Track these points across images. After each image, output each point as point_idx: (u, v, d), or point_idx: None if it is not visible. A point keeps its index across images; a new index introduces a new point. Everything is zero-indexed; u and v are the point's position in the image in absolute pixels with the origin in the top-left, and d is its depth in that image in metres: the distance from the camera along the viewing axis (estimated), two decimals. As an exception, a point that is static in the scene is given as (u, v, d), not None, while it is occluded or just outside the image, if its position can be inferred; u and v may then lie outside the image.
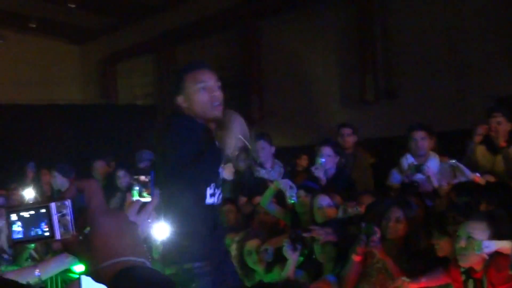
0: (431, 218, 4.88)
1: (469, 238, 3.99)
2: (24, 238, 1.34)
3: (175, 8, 14.20)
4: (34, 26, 15.56)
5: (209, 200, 3.46)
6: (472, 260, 4.04)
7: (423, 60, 10.15)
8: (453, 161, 5.85)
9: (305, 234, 5.20)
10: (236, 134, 3.38)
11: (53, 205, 1.30)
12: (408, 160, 6.27)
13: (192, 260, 3.39)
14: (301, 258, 5.27)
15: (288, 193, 5.60)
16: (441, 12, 9.96)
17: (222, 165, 3.57)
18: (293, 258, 5.08)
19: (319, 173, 6.30)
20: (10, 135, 12.93)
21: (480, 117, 6.93)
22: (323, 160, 6.34)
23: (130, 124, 14.02)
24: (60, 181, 8.08)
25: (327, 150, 6.46)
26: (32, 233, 1.32)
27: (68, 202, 1.30)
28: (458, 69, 9.73)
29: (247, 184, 6.88)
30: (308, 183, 6.22)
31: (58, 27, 16.36)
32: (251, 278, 5.58)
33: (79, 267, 3.51)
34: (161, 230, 3.27)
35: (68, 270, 3.99)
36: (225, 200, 5.82)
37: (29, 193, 7.98)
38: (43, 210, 1.30)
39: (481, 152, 6.39)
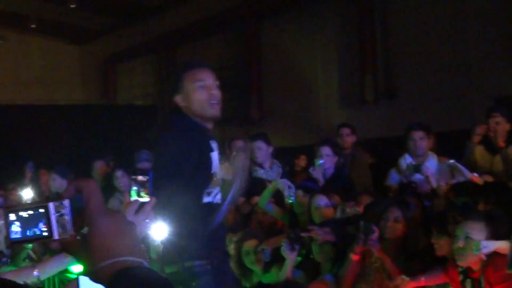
0: (431, 217, 4.89)
1: (467, 238, 3.99)
2: (22, 238, 1.34)
3: (175, 8, 14.21)
4: (34, 26, 15.56)
5: (206, 199, 3.46)
6: (470, 260, 4.05)
7: (422, 60, 10.15)
8: (452, 161, 5.85)
9: (303, 234, 5.20)
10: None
11: (51, 205, 1.30)
12: (406, 160, 6.27)
13: (192, 259, 3.39)
14: (299, 258, 5.28)
15: (286, 193, 5.61)
16: (441, 13, 9.97)
17: (220, 166, 3.58)
18: (291, 258, 5.09)
19: (317, 174, 6.30)
20: (9, 135, 12.93)
21: (479, 117, 6.94)
22: (322, 161, 6.35)
23: (130, 124, 14.01)
24: (59, 183, 8.07)
25: (326, 150, 6.47)
26: (30, 233, 1.32)
27: (66, 202, 1.30)
28: (457, 69, 9.73)
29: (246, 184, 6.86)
30: (307, 183, 6.22)
31: (58, 27, 16.36)
32: (249, 278, 5.58)
33: (77, 267, 3.51)
34: (159, 230, 3.28)
35: (66, 270, 4.00)
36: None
37: (27, 193, 7.97)
38: (42, 210, 1.31)
39: (479, 152, 6.39)
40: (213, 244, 3.50)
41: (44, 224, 1.31)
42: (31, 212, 1.32)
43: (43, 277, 3.17)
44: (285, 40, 12.38)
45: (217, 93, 3.53)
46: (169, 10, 14.35)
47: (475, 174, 5.60)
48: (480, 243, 3.92)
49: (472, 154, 6.41)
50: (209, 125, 3.57)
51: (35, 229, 1.32)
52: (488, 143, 6.35)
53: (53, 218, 1.30)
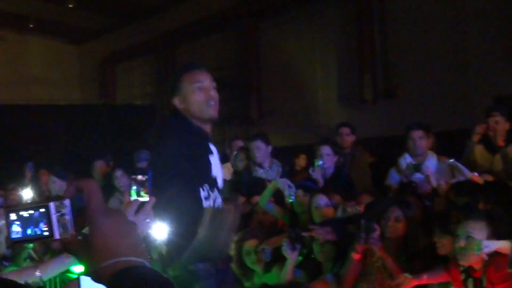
0: (433, 216, 4.88)
1: (468, 237, 4.00)
2: (23, 238, 1.34)
3: (174, 8, 14.21)
4: (33, 26, 15.55)
5: (205, 203, 3.46)
6: (471, 259, 4.05)
7: (422, 59, 10.15)
8: (452, 160, 5.85)
9: (304, 234, 5.20)
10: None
11: (52, 205, 1.30)
12: (406, 159, 6.27)
13: (195, 261, 3.39)
14: (300, 258, 5.28)
15: (286, 192, 5.61)
16: (440, 12, 9.96)
17: (219, 172, 3.58)
18: (292, 257, 5.08)
19: (316, 175, 6.30)
20: (9, 135, 12.92)
21: (479, 117, 6.94)
22: (321, 162, 6.35)
23: (129, 124, 14.01)
24: (59, 185, 8.05)
25: (326, 149, 6.47)
26: (31, 232, 1.32)
27: (67, 202, 1.30)
28: (457, 69, 9.73)
29: (245, 184, 6.88)
30: (307, 183, 6.22)
31: (57, 27, 16.36)
32: (249, 278, 5.58)
33: (78, 268, 3.51)
34: (160, 230, 3.28)
35: (67, 270, 3.99)
36: (223, 200, 5.82)
37: (27, 193, 7.97)
38: (42, 210, 1.30)
39: (479, 152, 6.39)
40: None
41: (45, 224, 1.30)
42: (32, 212, 1.32)
43: (45, 278, 3.17)
44: (284, 40, 12.39)
45: (214, 94, 3.54)
46: (168, 10, 14.35)
47: (475, 174, 5.60)
48: (481, 243, 3.92)
49: (471, 153, 6.41)
50: (208, 127, 3.58)
51: (36, 229, 1.32)
52: (487, 142, 6.35)
53: (54, 218, 1.30)
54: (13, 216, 1.33)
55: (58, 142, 13.11)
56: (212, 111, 3.52)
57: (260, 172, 6.83)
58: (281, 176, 6.56)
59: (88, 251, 1.29)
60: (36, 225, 1.31)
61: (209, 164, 3.51)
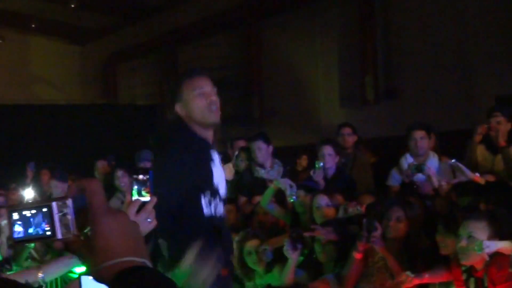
0: (438, 216, 4.88)
1: (470, 237, 4.00)
2: (25, 238, 1.34)
3: (176, 8, 14.21)
4: (35, 26, 15.56)
5: (206, 211, 3.47)
6: (473, 259, 4.05)
7: (423, 60, 10.15)
8: (453, 160, 5.85)
9: (306, 234, 5.20)
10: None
11: (54, 205, 1.30)
12: (407, 160, 6.27)
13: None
14: (301, 258, 5.28)
15: (288, 192, 5.60)
16: (442, 12, 9.96)
17: (222, 181, 3.59)
18: (293, 257, 5.09)
19: (317, 177, 6.30)
20: (11, 134, 12.93)
21: (480, 117, 6.94)
22: (321, 164, 6.35)
23: (131, 124, 14.02)
24: (60, 188, 8.03)
25: (328, 149, 6.47)
26: (33, 232, 1.32)
27: (69, 202, 1.30)
28: (458, 69, 9.73)
29: (247, 184, 6.88)
30: (308, 183, 6.22)
31: (59, 27, 16.38)
32: (251, 278, 5.58)
33: (80, 268, 3.52)
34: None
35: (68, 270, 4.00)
36: (225, 200, 5.82)
37: (28, 193, 7.97)
38: (45, 209, 1.30)
39: (480, 152, 6.39)
40: (220, 254, 3.51)
41: (47, 224, 1.30)
42: (34, 211, 1.32)
43: (48, 279, 3.18)
44: (286, 40, 12.39)
45: (216, 99, 3.54)
46: (170, 10, 14.36)
47: (477, 174, 5.60)
48: (482, 243, 3.92)
49: (473, 154, 6.41)
50: (210, 133, 3.58)
51: (38, 229, 1.32)
52: (489, 142, 6.35)
53: (56, 217, 1.30)
54: (15, 216, 1.33)
55: (60, 142, 13.11)
56: (214, 116, 3.53)
57: (261, 172, 6.83)
58: (282, 176, 6.56)
59: (90, 251, 1.29)
60: (38, 225, 1.31)
61: (210, 173, 3.51)
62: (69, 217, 1.30)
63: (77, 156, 12.10)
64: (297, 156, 9.22)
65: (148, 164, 7.50)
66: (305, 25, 12.00)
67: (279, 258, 5.29)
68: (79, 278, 2.18)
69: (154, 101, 14.95)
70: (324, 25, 11.69)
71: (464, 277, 4.20)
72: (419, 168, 5.91)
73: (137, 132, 13.34)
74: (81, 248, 1.31)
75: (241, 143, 7.75)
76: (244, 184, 6.89)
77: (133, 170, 2.51)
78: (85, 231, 1.30)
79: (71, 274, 4.29)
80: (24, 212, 1.33)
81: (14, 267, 5.07)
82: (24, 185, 9.00)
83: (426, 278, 4.39)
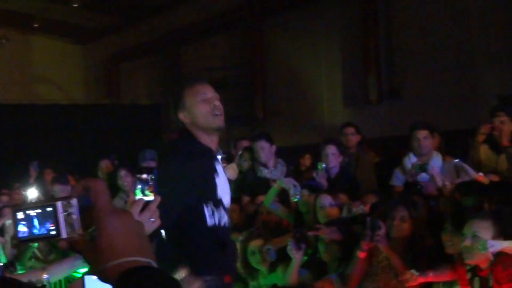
0: (443, 215, 4.87)
1: (475, 236, 4.00)
2: (29, 237, 1.34)
3: (179, 8, 14.21)
4: (38, 26, 15.57)
5: (209, 222, 3.48)
6: (477, 258, 4.05)
7: (426, 59, 10.15)
8: (457, 160, 5.84)
9: (310, 233, 5.21)
10: None
11: (59, 204, 1.30)
12: (411, 159, 6.26)
13: (203, 274, 3.40)
14: (305, 258, 5.28)
15: (292, 192, 5.60)
16: (444, 12, 9.96)
17: (226, 192, 3.61)
18: (297, 257, 5.09)
19: (320, 178, 6.30)
20: (14, 134, 12.95)
21: (484, 117, 6.93)
22: (324, 165, 6.35)
23: (134, 123, 14.03)
24: (64, 192, 8.02)
25: (331, 149, 6.46)
26: (38, 231, 1.32)
27: (74, 201, 1.30)
28: (462, 69, 9.72)
29: (250, 184, 6.88)
30: (312, 183, 6.22)
31: (61, 27, 16.38)
32: (254, 278, 5.58)
33: (85, 269, 3.52)
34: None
35: (72, 270, 4.00)
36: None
37: (32, 193, 7.98)
38: (49, 209, 1.30)
39: (484, 152, 6.38)
40: (221, 264, 3.52)
41: (52, 223, 1.30)
42: (39, 210, 1.32)
43: (52, 280, 3.18)
44: (288, 40, 12.39)
45: (219, 104, 3.56)
46: (173, 9, 14.36)
47: (481, 174, 5.59)
48: (486, 242, 3.92)
49: (476, 154, 6.40)
50: (215, 138, 3.60)
51: (43, 228, 1.31)
52: (492, 142, 6.34)
53: (61, 217, 1.29)
54: (20, 215, 1.33)
55: (63, 142, 13.12)
56: (218, 121, 3.55)
57: (264, 172, 6.83)
58: (286, 176, 6.56)
59: (95, 251, 1.29)
60: (43, 224, 1.31)
61: (214, 184, 3.53)
62: (74, 216, 1.30)
63: (80, 156, 12.11)
64: (300, 155, 9.21)
65: (151, 164, 7.50)
66: (307, 25, 11.99)
67: (282, 258, 5.29)
68: (82, 278, 2.18)
69: (157, 100, 14.94)
70: (327, 25, 11.69)
71: (468, 276, 4.20)
72: (423, 168, 5.90)
73: (140, 132, 13.37)
74: (85, 248, 1.31)
75: (245, 143, 7.74)
76: (247, 184, 6.89)
77: (136, 170, 2.51)
78: (90, 230, 1.30)
79: (74, 273, 4.30)
80: (28, 212, 1.32)
81: (18, 267, 5.08)
82: (27, 184, 9.01)
83: (431, 276, 4.39)
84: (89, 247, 1.30)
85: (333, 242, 5.15)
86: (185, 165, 3.46)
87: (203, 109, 3.53)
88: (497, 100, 8.40)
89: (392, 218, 4.81)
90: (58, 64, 16.94)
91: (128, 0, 14.88)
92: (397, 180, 6.38)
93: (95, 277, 1.31)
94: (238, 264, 5.49)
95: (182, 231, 3.42)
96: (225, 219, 3.57)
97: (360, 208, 5.42)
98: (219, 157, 3.69)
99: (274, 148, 6.92)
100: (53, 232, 1.31)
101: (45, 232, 1.32)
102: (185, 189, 3.41)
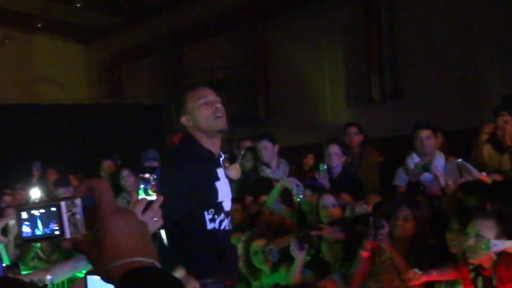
0: (455, 213, 4.86)
1: (478, 236, 3.99)
2: (33, 237, 1.34)
3: (181, 8, 14.23)
4: (41, 26, 15.59)
5: (209, 226, 3.49)
6: (480, 258, 4.05)
7: (429, 59, 10.14)
8: (460, 160, 5.83)
9: (314, 233, 5.20)
10: None
11: (63, 204, 1.29)
12: (413, 159, 6.24)
13: (205, 276, 3.41)
14: (308, 258, 5.27)
15: (295, 191, 5.60)
16: (447, 12, 9.95)
17: (227, 197, 3.62)
18: (300, 257, 5.08)
19: (322, 179, 6.30)
20: (16, 134, 12.96)
21: (487, 116, 6.93)
22: (325, 166, 6.35)
23: (137, 123, 14.05)
24: (67, 194, 8.02)
25: (335, 148, 6.46)
26: (42, 231, 1.32)
27: (78, 201, 1.30)
28: (465, 68, 9.72)
29: (253, 184, 6.88)
30: (315, 183, 6.21)
31: (64, 27, 16.40)
32: (257, 278, 5.58)
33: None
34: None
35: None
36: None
37: (35, 193, 7.98)
38: (53, 209, 1.30)
39: (487, 151, 6.37)
40: (221, 269, 3.53)
41: (56, 223, 1.30)
42: (42, 210, 1.31)
43: (56, 281, 3.18)
44: (291, 39, 12.39)
45: (220, 106, 3.57)
46: (175, 10, 14.37)
47: (484, 173, 5.58)
48: (489, 241, 3.92)
49: (479, 153, 6.39)
50: (217, 141, 3.61)
51: (47, 228, 1.31)
52: (496, 142, 6.34)
53: (64, 217, 1.29)
54: (23, 215, 1.33)
55: (66, 142, 13.14)
56: (220, 123, 3.56)
57: (267, 172, 6.83)
58: (288, 176, 6.55)
59: (98, 251, 1.28)
60: (47, 224, 1.31)
61: (214, 189, 3.54)
62: (78, 216, 1.30)
63: (82, 156, 12.13)
64: (303, 155, 9.21)
65: (154, 164, 7.50)
66: (310, 24, 11.99)
67: (285, 258, 5.29)
68: (84, 277, 2.18)
69: (159, 100, 14.96)
70: (329, 25, 11.69)
71: (472, 275, 4.19)
72: (426, 168, 5.89)
73: (142, 132, 13.38)
74: (89, 248, 1.31)
75: (247, 143, 7.74)
76: (250, 184, 6.89)
77: (139, 169, 2.51)
78: (94, 230, 1.30)
79: (78, 274, 4.30)
80: (32, 212, 1.32)
81: (22, 268, 5.08)
82: (30, 184, 9.02)
83: (434, 275, 4.39)
84: (92, 247, 1.30)
85: (336, 242, 5.15)
86: (186, 169, 3.47)
87: (205, 112, 3.54)
88: (500, 99, 8.39)
89: (395, 218, 4.80)
90: (60, 64, 16.96)
91: (130, 0, 14.90)
92: (400, 180, 6.37)
93: (97, 277, 1.30)
94: (241, 264, 5.49)
95: (182, 234, 3.43)
96: (225, 223, 3.58)
97: (363, 208, 5.41)
98: (221, 159, 3.70)
99: (276, 148, 6.92)
100: (57, 232, 1.31)
101: (49, 232, 1.31)
102: (185, 192, 3.43)
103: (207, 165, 3.56)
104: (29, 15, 15.46)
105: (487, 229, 4.00)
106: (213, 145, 3.60)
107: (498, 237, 3.98)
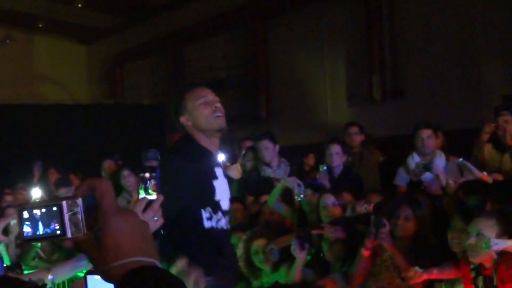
0: (459, 211, 4.86)
1: (479, 234, 4.00)
2: (34, 236, 1.34)
3: (182, 7, 14.23)
4: (42, 26, 15.60)
5: (207, 224, 3.50)
6: (481, 257, 4.06)
7: (430, 59, 10.14)
8: (461, 159, 5.83)
9: (315, 232, 5.21)
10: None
11: (64, 203, 1.29)
12: (414, 159, 6.25)
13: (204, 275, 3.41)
14: (309, 257, 5.27)
15: (296, 191, 5.60)
16: (449, 11, 9.95)
17: (225, 195, 3.62)
18: (301, 257, 5.08)
19: (322, 180, 6.30)
20: (17, 134, 12.98)
21: (488, 116, 6.93)
22: (325, 167, 6.36)
23: (138, 123, 14.06)
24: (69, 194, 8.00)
25: (335, 148, 6.46)
26: (43, 231, 1.32)
27: (79, 201, 1.30)
28: (466, 68, 9.71)
29: (254, 183, 6.89)
30: (315, 182, 6.22)
31: (65, 27, 16.41)
32: (257, 277, 5.58)
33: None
34: None
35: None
36: (232, 199, 5.84)
37: (36, 192, 7.99)
38: (55, 209, 1.30)
39: (488, 151, 6.37)
40: (219, 268, 3.54)
41: (57, 223, 1.30)
42: (44, 210, 1.32)
43: (57, 281, 3.18)
44: (292, 39, 12.39)
45: (220, 106, 3.60)
46: (176, 9, 14.37)
47: (485, 173, 5.58)
48: (490, 240, 3.92)
49: (480, 153, 6.40)
50: (216, 140, 3.63)
51: (48, 228, 1.31)
52: (496, 141, 6.34)
53: (66, 216, 1.29)
54: (25, 214, 1.33)
55: (66, 142, 13.15)
56: (220, 122, 3.59)
57: (268, 171, 6.83)
58: (289, 175, 6.56)
59: (99, 251, 1.29)
60: (48, 224, 1.31)
61: (212, 188, 3.56)
62: (79, 216, 1.30)
63: (83, 156, 12.14)
64: (304, 155, 9.22)
65: (154, 163, 7.50)
66: (311, 24, 11.99)
67: (286, 257, 5.29)
68: (84, 277, 2.18)
69: (160, 100, 14.97)
70: (330, 24, 11.68)
71: (472, 275, 4.19)
72: (427, 167, 5.89)
73: (143, 132, 13.39)
74: (90, 248, 1.31)
75: (248, 144, 7.75)
76: (251, 184, 6.90)
77: (139, 169, 2.52)
78: (95, 230, 1.30)
79: (79, 274, 4.31)
80: (33, 211, 1.32)
81: (24, 268, 5.08)
82: (31, 184, 9.03)
83: (435, 273, 4.39)
84: (93, 247, 1.30)
85: (337, 241, 5.15)
86: (184, 168, 3.48)
87: (205, 111, 3.57)
88: (501, 99, 8.39)
89: (396, 217, 4.81)
90: (61, 64, 16.97)
91: (131, 0, 14.90)
92: (401, 179, 6.37)
93: (97, 277, 1.31)
94: (241, 264, 5.50)
95: (180, 232, 3.43)
96: (222, 222, 3.60)
97: (364, 208, 5.41)
98: (220, 160, 3.71)
99: (277, 147, 6.93)
100: (58, 232, 1.31)
101: (50, 231, 1.32)
102: (183, 191, 3.43)
103: (205, 164, 3.58)
104: (30, 15, 15.46)
105: (488, 228, 4.01)
106: (211, 144, 3.62)
107: (499, 236, 3.99)
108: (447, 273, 4.43)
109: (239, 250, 5.55)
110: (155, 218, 2.32)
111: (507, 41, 9.25)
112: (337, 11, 11.57)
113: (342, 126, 7.74)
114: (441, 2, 10.09)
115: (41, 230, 1.32)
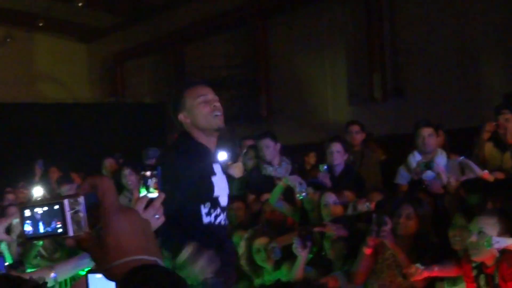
0: (461, 209, 4.86)
1: (480, 232, 4.00)
2: (36, 235, 1.34)
3: (183, 7, 14.22)
4: (42, 24, 15.59)
5: (205, 220, 3.51)
6: (483, 255, 4.06)
7: (431, 58, 10.13)
8: (462, 158, 5.84)
9: (317, 229, 5.21)
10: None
11: (66, 202, 1.30)
12: (415, 157, 6.25)
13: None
14: (311, 255, 5.28)
15: (298, 189, 5.60)
16: (449, 10, 9.94)
17: (224, 192, 3.63)
18: (302, 255, 5.09)
19: (323, 178, 6.30)
20: (18, 133, 12.98)
21: (488, 115, 6.93)
22: (325, 167, 6.36)
23: (138, 122, 14.06)
24: (71, 191, 7.99)
25: (337, 146, 6.47)
26: (45, 229, 1.32)
27: (81, 199, 1.30)
28: (466, 66, 9.71)
29: (255, 182, 6.89)
30: (317, 181, 6.22)
31: (66, 25, 16.41)
32: (259, 275, 5.59)
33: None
34: None
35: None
36: (234, 198, 5.84)
37: (37, 191, 8.00)
38: (56, 207, 1.30)
39: (489, 149, 6.38)
40: (222, 259, 3.53)
41: (59, 221, 1.30)
42: (45, 208, 1.32)
43: (60, 279, 3.19)
44: (292, 38, 12.38)
45: (219, 105, 3.60)
46: (177, 8, 14.36)
47: (486, 171, 5.58)
48: (491, 238, 3.92)
49: (481, 151, 6.40)
50: (213, 139, 3.64)
51: (50, 226, 1.31)
52: (497, 140, 6.34)
53: (68, 215, 1.29)
54: (27, 213, 1.33)
55: (67, 141, 13.16)
56: (218, 121, 3.59)
57: (269, 170, 6.84)
58: (290, 174, 6.56)
59: (101, 249, 1.29)
60: (50, 222, 1.31)
61: (211, 184, 3.57)
62: (81, 214, 1.30)
63: (84, 154, 12.15)
64: (305, 154, 9.22)
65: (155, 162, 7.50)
66: (311, 23, 11.98)
67: (287, 256, 5.29)
68: (86, 276, 2.18)
69: (161, 99, 14.97)
70: (331, 23, 11.68)
71: (474, 273, 4.20)
72: (428, 166, 5.89)
73: (144, 130, 13.39)
74: (92, 246, 1.31)
75: (250, 143, 7.76)
76: (252, 182, 6.91)
77: (140, 168, 2.52)
78: (97, 228, 1.30)
79: (81, 272, 4.31)
80: (35, 209, 1.32)
81: (27, 266, 5.09)
82: (32, 183, 9.03)
83: (436, 271, 4.39)
84: (95, 245, 1.30)
85: (338, 239, 5.15)
86: (182, 164, 3.49)
87: (204, 110, 3.57)
88: (501, 98, 8.39)
89: (398, 215, 4.81)
90: (62, 63, 16.97)
91: (132, -1, 14.91)
92: (402, 178, 6.37)
93: (99, 275, 1.31)
94: (243, 262, 5.50)
95: (180, 228, 3.43)
96: (221, 218, 3.60)
97: (365, 206, 5.41)
98: (221, 158, 3.72)
99: (278, 146, 6.93)
100: (60, 230, 1.31)
101: (52, 230, 1.32)
102: (182, 187, 3.44)
103: (204, 159, 3.59)
104: (31, 14, 15.46)
105: (490, 226, 4.01)
106: (209, 142, 3.63)
107: (500, 234, 3.99)
108: (449, 271, 4.43)
109: (241, 249, 5.55)
110: (157, 216, 2.32)
111: (507, 40, 9.25)
112: (337, 10, 11.57)
113: (343, 125, 7.74)
114: (441, 2, 10.09)
115: (43, 228, 1.32)
